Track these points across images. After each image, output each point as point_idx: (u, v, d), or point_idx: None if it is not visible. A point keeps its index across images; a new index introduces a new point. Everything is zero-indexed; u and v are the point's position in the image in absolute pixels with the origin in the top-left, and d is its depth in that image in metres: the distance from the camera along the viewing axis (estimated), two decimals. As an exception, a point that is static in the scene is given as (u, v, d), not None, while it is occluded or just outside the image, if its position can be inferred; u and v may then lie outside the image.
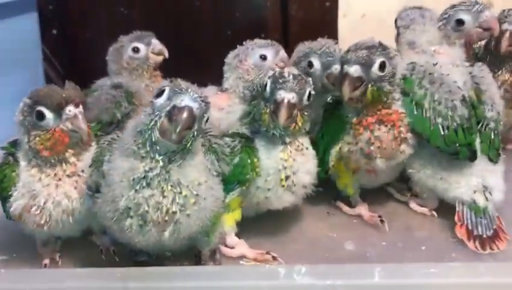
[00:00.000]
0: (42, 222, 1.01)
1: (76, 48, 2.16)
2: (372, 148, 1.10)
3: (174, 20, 2.06)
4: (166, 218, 0.89)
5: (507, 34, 1.25)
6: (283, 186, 1.06)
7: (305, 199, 1.27)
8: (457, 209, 1.10)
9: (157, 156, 0.87)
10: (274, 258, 1.06)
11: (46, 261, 1.09)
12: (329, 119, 1.15)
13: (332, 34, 2.04)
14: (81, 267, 1.06)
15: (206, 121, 0.89)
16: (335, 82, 1.17)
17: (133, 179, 0.87)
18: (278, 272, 0.90)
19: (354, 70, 1.04)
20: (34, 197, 1.00)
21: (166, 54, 1.48)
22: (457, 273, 0.87)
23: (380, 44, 1.09)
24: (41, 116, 0.98)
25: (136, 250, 1.03)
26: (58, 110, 0.98)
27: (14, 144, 1.08)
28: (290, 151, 1.06)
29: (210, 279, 0.91)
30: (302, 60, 1.26)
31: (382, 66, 1.06)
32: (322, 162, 1.16)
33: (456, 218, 1.09)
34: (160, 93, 0.87)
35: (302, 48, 1.29)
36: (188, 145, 0.87)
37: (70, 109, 0.98)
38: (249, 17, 2.07)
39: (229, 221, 1.07)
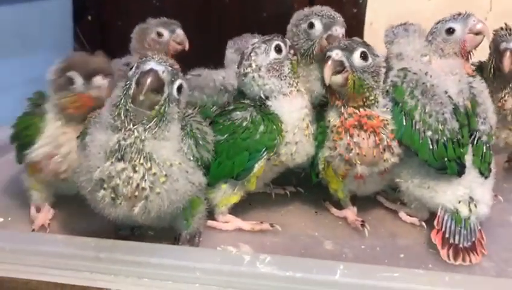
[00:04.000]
0: (63, 169, 1.12)
1: (109, 34, 2.24)
2: (351, 154, 1.09)
3: (203, 15, 2.11)
4: (136, 193, 0.91)
5: (508, 53, 1.20)
6: (306, 135, 1.11)
7: (296, 197, 1.29)
8: (438, 213, 1.08)
9: (131, 126, 0.89)
10: (272, 225, 1.12)
11: (36, 226, 1.14)
12: (318, 122, 1.15)
13: (358, 40, 2.05)
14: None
15: (180, 89, 0.92)
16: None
17: (110, 151, 0.90)
18: (241, 259, 0.91)
19: (335, 53, 1.05)
20: (58, 147, 1.11)
21: (187, 46, 1.52)
22: (421, 280, 0.85)
23: (364, 41, 1.10)
24: (70, 81, 1.09)
25: (120, 225, 1.07)
26: (88, 78, 1.08)
27: (41, 95, 1.17)
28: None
29: (174, 258, 0.92)
30: (302, 23, 1.22)
31: (364, 56, 1.06)
32: (313, 165, 1.17)
33: (435, 222, 1.07)
34: (130, 68, 0.92)
35: (301, 12, 1.27)
36: (162, 112, 0.89)
37: (99, 79, 1.08)
38: (276, 18, 2.08)
39: (225, 201, 1.14)
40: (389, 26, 1.31)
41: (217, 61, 1.58)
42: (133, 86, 0.89)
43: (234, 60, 1.33)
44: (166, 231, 1.07)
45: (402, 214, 1.19)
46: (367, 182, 1.16)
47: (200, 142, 1.00)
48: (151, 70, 0.88)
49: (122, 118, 0.90)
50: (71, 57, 1.14)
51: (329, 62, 1.04)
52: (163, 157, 0.91)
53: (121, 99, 0.90)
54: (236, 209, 1.18)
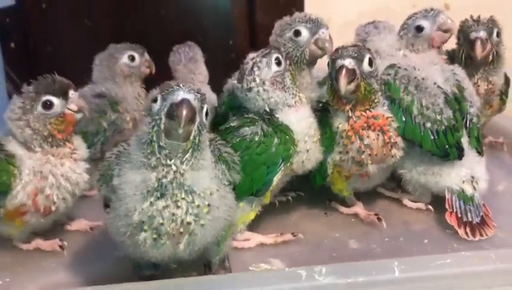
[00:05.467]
0: (54, 199, 1.09)
1: (38, 61, 2.07)
2: (363, 156, 1.13)
3: (141, 31, 2.03)
4: (181, 229, 0.87)
5: (478, 42, 1.30)
6: (314, 141, 1.13)
7: (300, 201, 1.31)
8: (446, 197, 1.16)
9: (168, 161, 0.85)
10: (293, 234, 1.13)
11: (51, 246, 1.15)
12: (322, 128, 1.16)
13: (299, 39, 2.09)
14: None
15: (206, 114, 0.89)
16: (323, 46, 1.22)
17: (147, 190, 0.86)
18: (299, 275, 0.90)
19: (349, 62, 1.07)
20: (45, 179, 1.08)
21: (153, 69, 1.51)
22: (471, 262, 0.91)
23: (365, 46, 1.15)
24: (49, 104, 1.08)
25: (141, 265, 1.02)
26: (64, 96, 1.10)
27: None
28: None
29: (232, 287, 0.90)
30: (287, 32, 1.25)
31: (370, 62, 1.10)
32: (320, 169, 1.19)
33: (446, 205, 1.14)
34: (154, 100, 0.87)
35: (283, 21, 1.29)
36: (197, 141, 0.86)
37: (72, 92, 1.12)
38: (216, 25, 2.07)
39: (243, 219, 1.12)
40: (358, 25, 1.37)
41: (162, 71, 1.56)
42: (164, 119, 0.84)
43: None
44: (189, 261, 1.01)
45: (407, 202, 1.25)
46: (371, 178, 1.21)
47: (231, 165, 0.98)
48: (183, 100, 0.83)
49: (157, 155, 0.85)
50: (37, 82, 1.11)
51: (344, 71, 1.06)
52: (203, 187, 0.88)
53: (152, 136, 0.85)
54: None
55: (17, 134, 1.10)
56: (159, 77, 1.58)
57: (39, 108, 1.08)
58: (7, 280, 1.08)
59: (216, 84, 1.48)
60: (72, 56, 2.04)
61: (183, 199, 0.86)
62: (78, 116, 1.13)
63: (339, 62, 1.08)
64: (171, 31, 2.04)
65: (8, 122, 1.10)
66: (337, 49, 1.11)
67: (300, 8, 2.04)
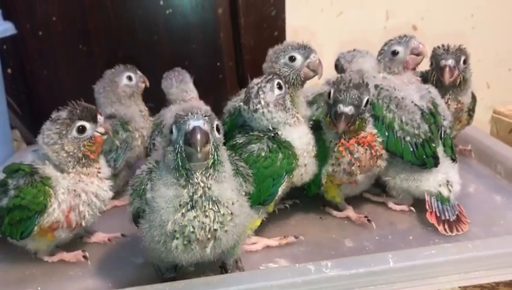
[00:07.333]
0: (86, 215, 1.21)
1: (35, 86, 2.17)
2: (353, 168, 1.29)
3: (133, 54, 2.15)
4: (209, 235, 1.01)
5: (447, 69, 1.48)
6: (311, 157, 1.27)
7: (297, 208, 1.46)
8: (426, 199, 1.33)
9: (195, 179, 0.98)
10: (295, 237, 1.27)
11: (74, 257, 1.27)
12: (316, 143, 1.30)
13: (281, 60, 2.26)
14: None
15: (218, 129, 1.01)
16: (314, 68, 1.37)
17: (180, 204, 0.99)
18: (308, 269, 1.05)
19: (349, 110, 1.22)
20: (78, 197, 1.19)
21: (148, 83, 1.64)
22: (452, 251, 1.08)
23: (363, 81, 1.29)
24: (82, 129, 1.20)
25: (162, 269, 1.15)
26: (94, 120, 1.22)
27: (22, 166, 1.21)
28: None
29: (250, 281, 1.04)
30: (281, 58, 1.39)
31: (367, 101, 1.25)
32: (315, 180, 1.34)
33: (426, 206, 1.32)
34: (170, 131, 1.00)
35: (276, 49, 1.43)
36: (216, 156, 0.99)
37: (100, 117, 1.24)
38: (204, 48, 2.22)
39: (251, 226, 1.25)
40: (340, 52, 1.56)
41: (154, 91, 1.69)
42: (183, 147, 0.96)
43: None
44: (205, 264, 1.14)
45: (391, 205, 1.42)
46: (359, 184, 1.38)
47: (246, 178, 1.12)
48: (195, 128, 0.95)
49: (185, 176, 0.98)
50: (70, 110, 1.21)
51: (343, 118, 1.21)
52: (226, 197, 1.02)
53: (178, 162, 0.97)
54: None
55: (53, 157, 1.19)
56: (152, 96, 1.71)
57: (73, 133, 1.19)
58: (39, 289, 1.18)
59: (206, 101, 1.64)
60: (66, 79, 2.15)
61: (210, 209, 0.99)
62: (105, 137, 1.25)
63: (341, 108, 1.22)
64: (162, 54, 2.19)
65: (43, 147, 1.20)
66: (340, 90, 1.23)
67: (282, 32, 2.22)
